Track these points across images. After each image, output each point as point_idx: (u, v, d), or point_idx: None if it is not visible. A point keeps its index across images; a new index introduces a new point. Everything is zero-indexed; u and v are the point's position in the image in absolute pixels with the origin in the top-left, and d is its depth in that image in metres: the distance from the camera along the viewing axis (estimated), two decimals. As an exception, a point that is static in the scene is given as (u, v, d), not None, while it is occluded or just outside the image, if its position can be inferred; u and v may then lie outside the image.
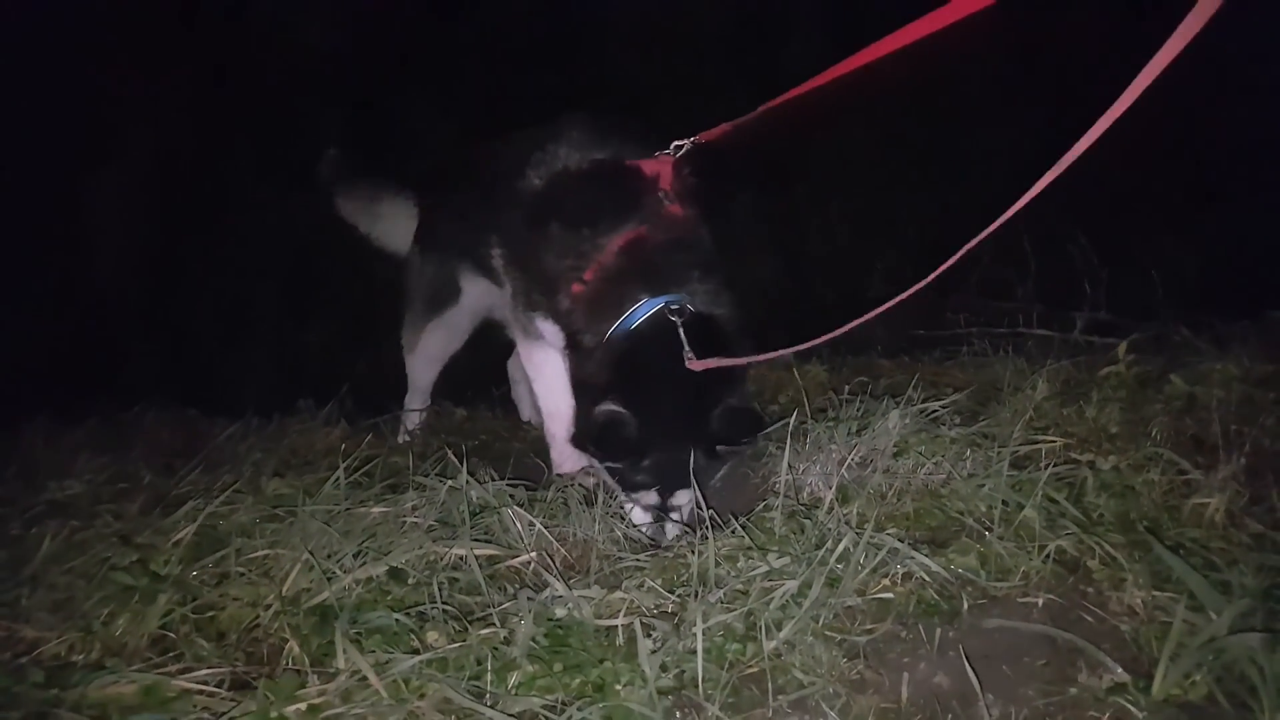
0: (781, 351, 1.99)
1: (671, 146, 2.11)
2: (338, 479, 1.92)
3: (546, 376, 2.30)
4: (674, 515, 1.91)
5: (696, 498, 1.79)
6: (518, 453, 2.80)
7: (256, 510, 1.91)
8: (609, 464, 1.90)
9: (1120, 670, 1.31)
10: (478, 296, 2.74)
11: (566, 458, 2.27)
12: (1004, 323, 3.18)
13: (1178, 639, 1.31)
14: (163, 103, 4.62)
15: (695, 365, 1.82)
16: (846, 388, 2.35)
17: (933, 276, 1.58)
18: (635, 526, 1.88)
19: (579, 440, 1.96)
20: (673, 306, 1.89)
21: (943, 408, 2.02)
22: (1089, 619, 1.46)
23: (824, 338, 1.79)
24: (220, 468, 2.44)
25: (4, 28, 3.93)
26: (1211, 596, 1.36)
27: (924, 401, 2.10)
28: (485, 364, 3.53)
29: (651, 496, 1.90)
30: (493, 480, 1.95)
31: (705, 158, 2.14)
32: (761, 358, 1.95)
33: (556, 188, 2.16)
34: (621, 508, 1.92)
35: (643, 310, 1.90)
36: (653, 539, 1.88)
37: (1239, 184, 4.49)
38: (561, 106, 2.43)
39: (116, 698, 1.29)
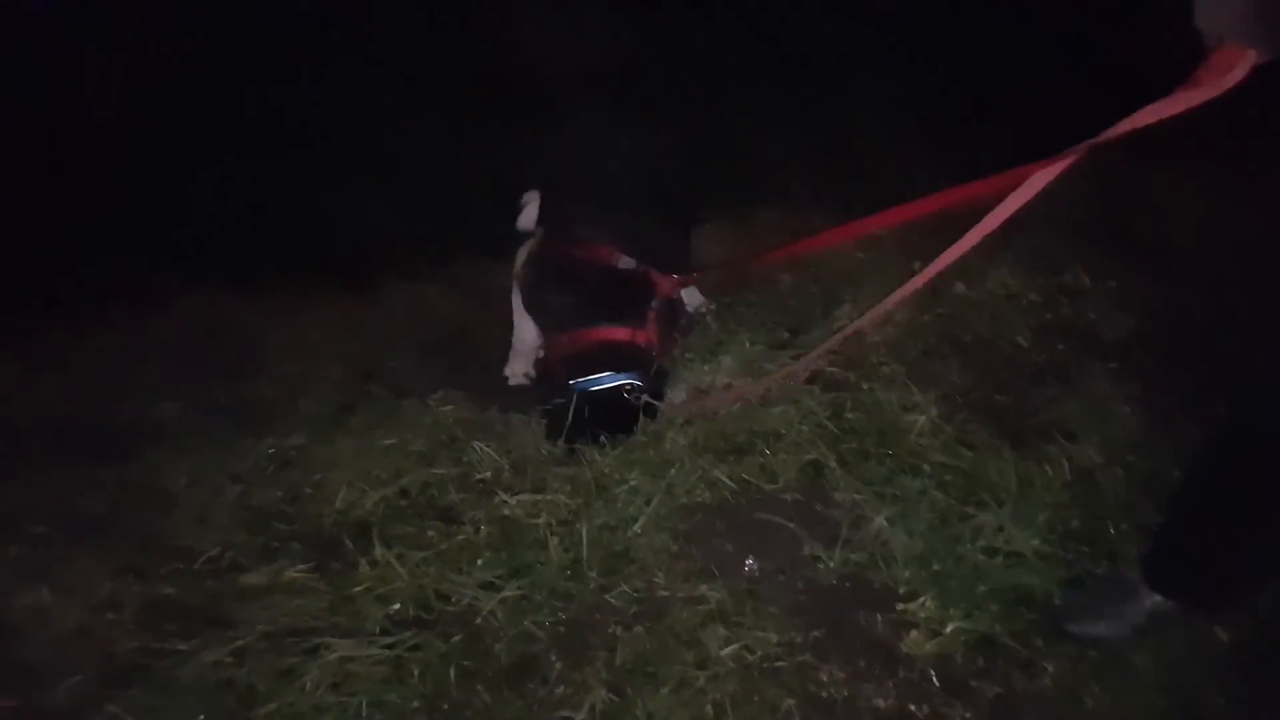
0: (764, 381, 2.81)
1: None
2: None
3: (521, 323, 3.11)
4: None
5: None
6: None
7: (304, 431, 2.85)
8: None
9: (818, 545, 2.33)
10: None
11: (517, 373, 3.19)
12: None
13: (847, 527, 2.32)
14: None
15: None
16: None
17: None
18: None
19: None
20: (627, 386, 2.69)
21: (768, 347, 2.93)
22: (818, 508, 2.46)
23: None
24: (260, 376, 3.34)
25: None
26: (874, 504, 2.36)
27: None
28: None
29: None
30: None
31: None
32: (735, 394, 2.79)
33: (575, 277, 2.85)
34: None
35: (606, 380, 2.70)
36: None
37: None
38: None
39: (258, 585, 2.30)
